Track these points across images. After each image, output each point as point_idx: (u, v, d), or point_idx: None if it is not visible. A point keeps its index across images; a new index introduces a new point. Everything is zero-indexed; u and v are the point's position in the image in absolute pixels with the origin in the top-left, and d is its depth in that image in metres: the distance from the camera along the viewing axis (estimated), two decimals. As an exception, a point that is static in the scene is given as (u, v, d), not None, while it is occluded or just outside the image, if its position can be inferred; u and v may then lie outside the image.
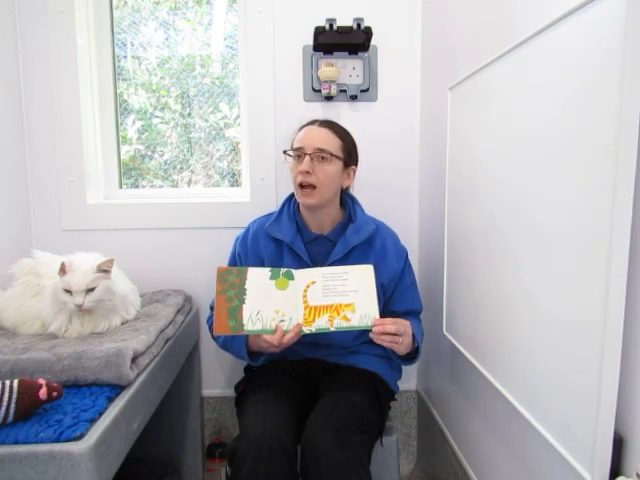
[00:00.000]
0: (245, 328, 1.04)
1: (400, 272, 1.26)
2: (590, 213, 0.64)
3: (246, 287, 1.07)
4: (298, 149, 1.18)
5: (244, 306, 1.05)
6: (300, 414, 1.12)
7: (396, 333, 1.06)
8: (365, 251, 1.23)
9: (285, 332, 1.05)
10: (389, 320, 1.08)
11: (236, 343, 1.17)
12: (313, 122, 1.23)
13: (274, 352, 1.10)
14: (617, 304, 0.60)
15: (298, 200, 1.22)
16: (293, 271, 1.11)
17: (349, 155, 1.23)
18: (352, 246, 1.20)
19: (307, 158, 1.15)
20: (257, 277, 1.09)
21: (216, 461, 1.57)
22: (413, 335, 1.16)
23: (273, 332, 1.05)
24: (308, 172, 1.15)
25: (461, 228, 1.15)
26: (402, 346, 1.10)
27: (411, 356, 1.20)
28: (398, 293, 1.26)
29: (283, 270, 1.11)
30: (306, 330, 1.06)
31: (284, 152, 1.24)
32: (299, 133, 1.22)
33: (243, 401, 1.19)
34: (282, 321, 1.06)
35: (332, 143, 1.18)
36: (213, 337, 1.28)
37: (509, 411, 0.95)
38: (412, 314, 1.27)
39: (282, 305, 1.08)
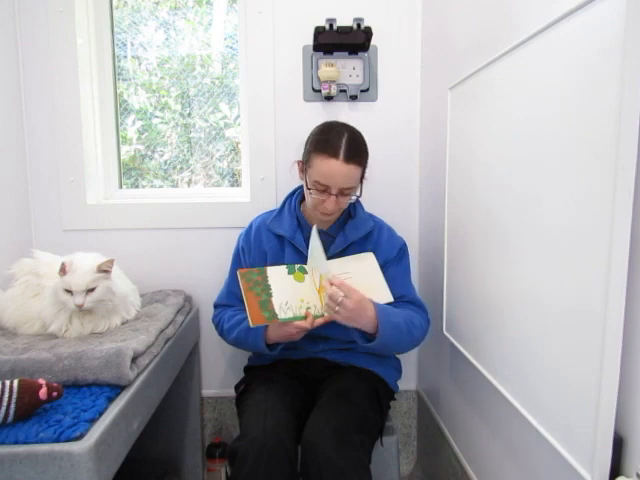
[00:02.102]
0: (279, 317, 1.11)
1: (393, 257, 1.27)
2: (590, 213, 0.64)
3: (269, 283, 1.15)
4: (323, 186, 1.14)
5: (272, 299, 1.13)
6: (300, 414, 1.12)
7: (332, 296, 1.05)
8: (363, 246, 1.26)
9: (315, 317, 1.12)
10: (345, 287, 1.06)
11: (251, 336, 1.18)
12: (336, 153, 1.11)
13: (294, 340, 1.15)
14: (617, 304, 0.60)
15: (315, 216, 1.24)
16: (305, 267, 1.20)
17: (365, 171, 1.21)
18: (351, 241, 1.24)
19: (333, 198, 1.15)
20: (277, 274, 1.18)
21: (216, 461, 1.57)
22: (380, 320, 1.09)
23: (304, 318, 1.11)
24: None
25: (461, 228, 1.15)
26: (341, 316, 1.06)
27: (369, 337, 1.14)
28: (391, 276, 1.23)
29: (297, 266, 1.20)
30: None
31: (308, 188, 1.18)
32: (322, 164, 1.13)
33: (243, 401, 1.19)
34: (308, 308, 1.14)
35: (356, 178, 1.16)
36: (222, 334, 1.30)
37: (509, 411, 0.95)
38: (405, 301, 1.23)
39: (304, 295, 1.16)
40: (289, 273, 1.18)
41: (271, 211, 1.34)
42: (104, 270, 1.11)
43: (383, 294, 1.16)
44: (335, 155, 1.12)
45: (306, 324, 1.10)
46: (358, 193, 1.22)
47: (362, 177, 1.21)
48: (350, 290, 1.07)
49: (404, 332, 1.13)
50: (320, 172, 1.14)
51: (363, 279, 1.16)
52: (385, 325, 1.09)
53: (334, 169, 1.12)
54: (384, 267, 1.25)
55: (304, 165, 1.21)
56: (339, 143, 1.13)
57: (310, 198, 1.20)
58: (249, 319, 1.08)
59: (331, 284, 1.08)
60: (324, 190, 1.15)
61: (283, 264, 1.20)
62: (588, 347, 0.64)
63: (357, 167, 1.15)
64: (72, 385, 0.92)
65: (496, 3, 1.00)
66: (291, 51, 1.58)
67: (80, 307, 1.07)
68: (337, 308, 1.06)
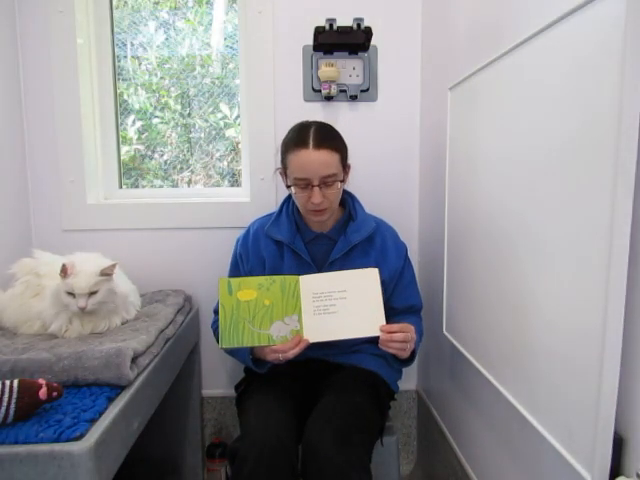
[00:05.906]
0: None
1: (400, 269, 1.27)
2: (590, 213, 0.64)
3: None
4: (303, 180, 1.13)
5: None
6: (301, 414, 1.12)
7: (404, 340, 1.08)
8: (366, 249, 1.24)
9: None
10: (396, 327, 1.08)
11: (240, 351, 1.17)
12: (305, 143, 1.12)
13: (278, 362, 1.09)
14: (617, 303, 0.60)
15: (310, 220, 1.23)
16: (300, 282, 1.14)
17: (345, 159, 1.21)
18: (353, 244, 1.21)
19: (316, 190, 1.12)
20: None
21: (216, 461, 1.57)
22: None
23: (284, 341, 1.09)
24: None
25: (461, 228, 1.15)
26: (407, 351, 1.11)
27: (407, 358, 1.19)
28: (398, 290, 1.27)
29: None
30: (312, 340, 1.10)
31: (288, 187, 1.18)
32: (295, 158, 1.13)
33: (244, 401, 1.19)
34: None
35: (334, 163, 1.14)
36: (217, 342, 1.27)
37: (509, 411, 0.95)
38: (412, 310, 1.28)
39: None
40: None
41: (268, 215, 1.31)
42: (107, 274, 1.12)
43: (375, 322, 1.07)
44: (305, 145, 1.12)
45: (284, 347, 1.07)
46: (343, 180, 1.19)
47: (344, 165, 1.19)
48: (411, 331, 1.10)
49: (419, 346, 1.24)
50: (296, 167, 1.13)
51: (359, 300, 1.09)
52: (417, 348, 1.20)
53: (307, 158, 1.12)
54: (393, 279, 1.25)
55: (283, 170, 1.21)
56: (307, 134, 1.14)
57: (297, 201, 1.19)
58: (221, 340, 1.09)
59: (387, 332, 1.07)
60: (306, 185, 1.13)
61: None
62: (588, 347, 0.64)
63: (331, 152, 1.13)
64: (72, 385, 0.92)
65: (496, 3, 1.00)
66: (291, 51, 1.58)
67: (83, 309, 1.08)
68: (408, 346, 1.09)
